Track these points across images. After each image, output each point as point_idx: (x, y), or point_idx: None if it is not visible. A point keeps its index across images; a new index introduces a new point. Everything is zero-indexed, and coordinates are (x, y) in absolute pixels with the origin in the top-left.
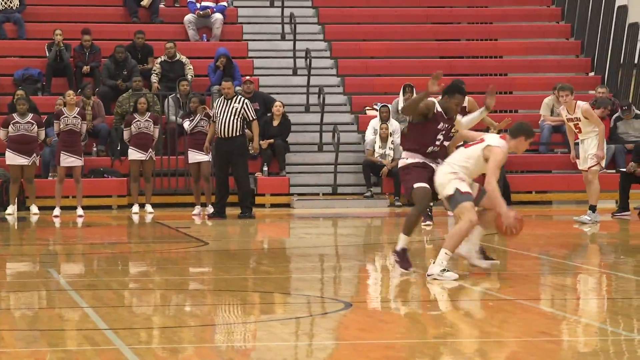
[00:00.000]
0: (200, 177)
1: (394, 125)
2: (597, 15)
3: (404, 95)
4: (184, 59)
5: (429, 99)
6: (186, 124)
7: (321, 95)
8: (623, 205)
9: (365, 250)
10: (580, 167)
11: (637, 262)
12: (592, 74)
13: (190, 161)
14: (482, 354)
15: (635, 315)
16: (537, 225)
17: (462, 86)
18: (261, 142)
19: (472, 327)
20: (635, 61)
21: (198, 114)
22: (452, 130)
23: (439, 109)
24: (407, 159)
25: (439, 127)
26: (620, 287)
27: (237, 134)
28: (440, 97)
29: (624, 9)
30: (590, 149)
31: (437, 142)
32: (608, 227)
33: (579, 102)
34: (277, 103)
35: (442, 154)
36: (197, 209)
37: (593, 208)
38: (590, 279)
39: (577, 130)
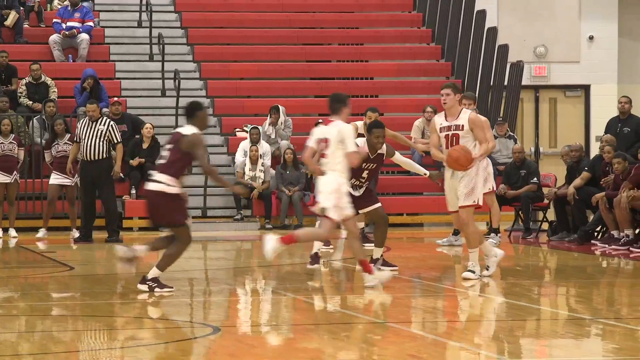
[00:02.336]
0: (55, 199)
1: (264, 147)
2: (467, 37)
3: (270, 117)
4: (49, 80)
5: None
6: (47, 156)
7: None
8: (493, 228)
9: (235, 274)
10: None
11: (506, 285)
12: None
13: (50, 182)
14: None
15: (505, 338)
16: (409, 248)
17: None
18: (132, 161)
19: (342, 351)
20: (505, 83)
21: (66, 137)
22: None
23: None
24: None
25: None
26: (490, 309)
27: (103, 156)
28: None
29: (493, 31)
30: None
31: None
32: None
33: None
34: (147, 125)
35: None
36: (42, 232)
37: (496, 230)
38: (461, 302)
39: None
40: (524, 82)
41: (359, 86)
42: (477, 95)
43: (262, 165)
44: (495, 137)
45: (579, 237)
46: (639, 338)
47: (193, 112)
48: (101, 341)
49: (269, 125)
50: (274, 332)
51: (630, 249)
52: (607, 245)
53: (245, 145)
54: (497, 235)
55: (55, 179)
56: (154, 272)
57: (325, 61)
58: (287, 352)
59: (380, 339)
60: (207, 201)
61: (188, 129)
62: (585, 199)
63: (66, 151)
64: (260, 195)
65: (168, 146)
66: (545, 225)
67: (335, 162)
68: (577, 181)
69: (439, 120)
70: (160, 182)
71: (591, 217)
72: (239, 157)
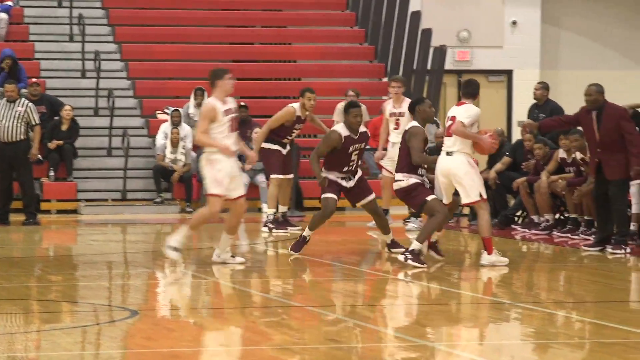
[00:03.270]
0: None
1: (186, 129)
2: (391, 21)
3: (195, 99)
4: None
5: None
6: None
7: (111, 99)
8: (415, 212)
9: (154, 257)
10: (387, 169)
11: (427, 269)
12: (385, 79)
13: None
14: None
15: (424, 322)
16: (330, 232)
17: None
18: (50, 143)
19: (259, 334)
20: (428, 67)
21: None
22: None
23: (345, 133)
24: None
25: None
26: (410, 293)
27: (21, 138)
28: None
29: (417, 15)
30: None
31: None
32: (400, 233)
33: (407, 98)
34: (66, 107)
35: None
36: None
37: (416, 215)
38: (382, 286)
39: (395, 126)
40: (447, 66)
41: (282, 69)
42: None
43: (183, 148)
44: None
45: (499, 222)
46: (556, 322)
47: (413, 108)
48: (17, 325)
49: (194, 106)
50: (193, 315)
51: (554, 233)
52: (527, 230)
53: (166, 127)
54: (417, 219)
55: None
56: (414, 245)
57: (248, 43)
58: (205, 336)
59: (300, 322)
60: (127, 184)
61: (411, 124)
62: (506, 183)
63: None
64: (181, 178)
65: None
66: (466, 210)
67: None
68: (498, 166)
69: (219, 105)
70: (398, 181)
71: (512, 202)
72: (160, 139)
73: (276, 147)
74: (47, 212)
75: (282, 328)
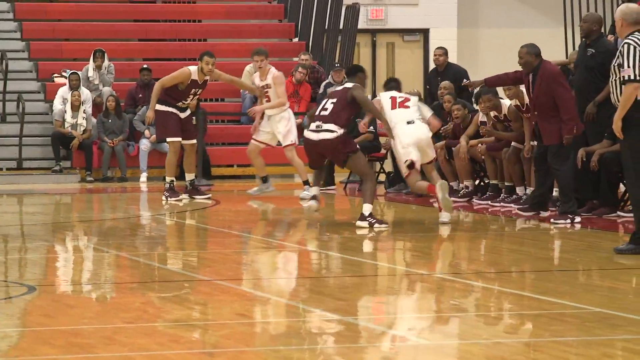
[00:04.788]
0: None
1: (86, 94)
2: None
3: (94, 62)
4: None
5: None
6: None
7: (4, 61)
8: (328, 180)
9: (53, 230)
10: (259, 139)
11: (342, 239)
12: (296, 39)
13: None
14: (175, 339)
15: (337, 294)
16: (239, 201)
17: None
18: None
19: (163, 310)
20: (341, 26)
21: None
22: None
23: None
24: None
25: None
26: (324, 265)
27: None
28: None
29: None
30: (281, 127)
31: None
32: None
33: (272, 69)
34: None
35: None
36: None
37: (307, 182)
38: (293, 257)
39: (267, 99)
40: (360, 25)
41: (187, 29)
42: (311, 40)
43: (84, 113)
44: (332, 85)
45: None
46: (477, 293)
47: (354, 73)
48: None
49: (94, 69)
50: (95, 291)
51: (473, 200)
52: None
53: (64, 91)
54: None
55: None
56: (367, 208)
57: (149, 2)
58: (108, 312)
59: (207, 297)
60: (23, 152)
61: (353, 85)
62: None
63: None
64: (81, 145)
65: (332, 100)
66: (382, 177)
67: None
68: None
69: None
70: (331, 131)
71: None
72: (57, 104)
73: (172, 109)
74: None
75: (188, 303)
